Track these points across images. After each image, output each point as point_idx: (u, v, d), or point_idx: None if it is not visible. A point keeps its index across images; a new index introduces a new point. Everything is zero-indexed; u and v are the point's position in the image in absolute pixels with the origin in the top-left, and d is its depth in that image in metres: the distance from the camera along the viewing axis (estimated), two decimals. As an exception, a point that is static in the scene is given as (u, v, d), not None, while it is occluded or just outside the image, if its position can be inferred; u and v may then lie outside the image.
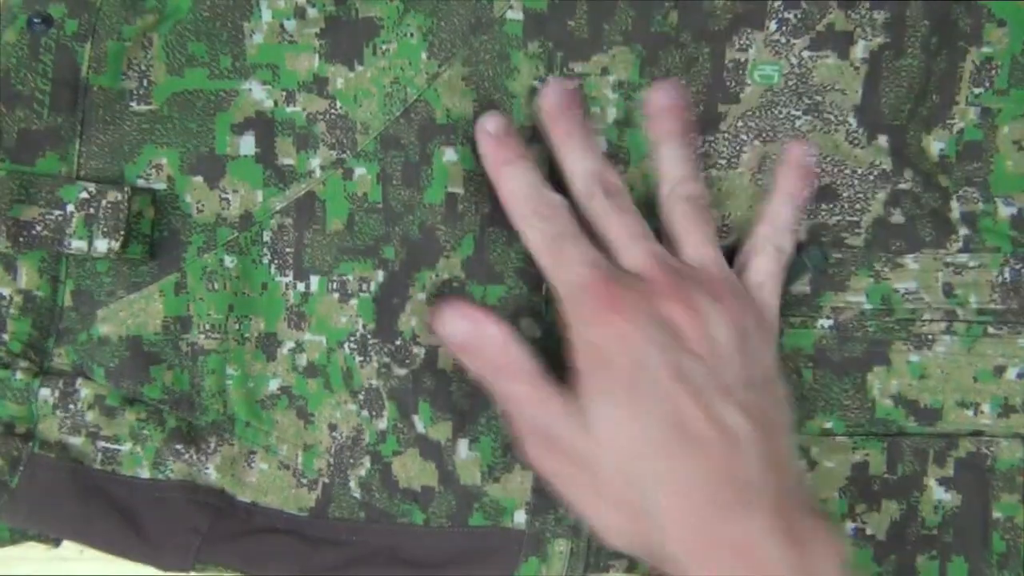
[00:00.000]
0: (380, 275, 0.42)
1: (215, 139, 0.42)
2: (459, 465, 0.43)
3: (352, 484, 0.44)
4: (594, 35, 0.42)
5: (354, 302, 0.43)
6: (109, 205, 0.40)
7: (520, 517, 0.44)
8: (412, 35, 0.41)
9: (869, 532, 0.44)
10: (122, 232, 0.40)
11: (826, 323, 0.44)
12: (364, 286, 0.42)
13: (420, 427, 0.43)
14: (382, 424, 0.43)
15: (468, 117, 0.42)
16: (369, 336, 0.43)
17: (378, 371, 0.43)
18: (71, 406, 0.42)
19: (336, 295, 0.43)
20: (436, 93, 0.42)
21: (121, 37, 0.41)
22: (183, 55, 0.41)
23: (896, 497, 0.44)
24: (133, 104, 0.41)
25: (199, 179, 0.42)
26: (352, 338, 0.43)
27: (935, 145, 0.43)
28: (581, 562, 0.44)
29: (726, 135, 0.43)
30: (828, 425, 0.45)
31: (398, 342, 0.43)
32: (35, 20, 0.40)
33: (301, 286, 0.43)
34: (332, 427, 0.43)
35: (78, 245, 0.40)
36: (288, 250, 0.42)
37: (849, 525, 0.45)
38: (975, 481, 0.44)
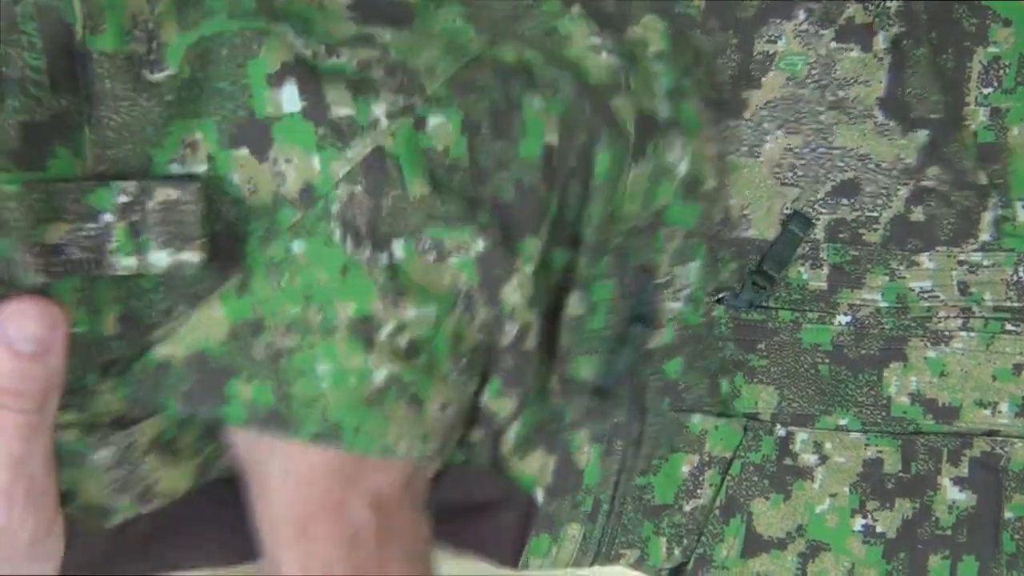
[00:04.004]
0: (480, 244, 0.36)
1: (252, 96, 0.34)
2: (505, 436, 0.42)
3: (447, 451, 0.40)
4: (621, 8, 0.41)
5: (453, 260, 0.36)
6: (160, 206, 0.32)
7: (538, 496, 0.43)
8: (456, 20, 0.38)
9: (879, 530, 0.44)
10: (200, 239, 0.32)
11: (843, 319, 0.44)
12: (463, 250, 0.36)
13: (484, 398, 0.40)
14: (473, 385, 0.39)
15: (540, 62, 0.37)
16: (475, 293, 0.37)
17: (482, 326, 0.38)
18: (131, 459, 0.35)
19: (432, 255, 0.36)
20: (499, 51, 0.37)
21: None
22: (199, 8, 0.34)
23: (910, 496, 0.44)
24: (146, 72, 0.33)
25: (244, 152, 0.34)
26: (460, 297, 0.37)
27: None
28: (592, 549, 0.44)
29: (749, 123, 0.43)
30: (843, 422, 0.45)
31: (497, 310, 0.38)
32: None
33: (384, 257, 0.35)
34: (443, 407, 0.38)
35: (127, 264, 0.32)
36: (361, 220, 0.35)
37: (859, 521, 0.44)
38: (989, 481, 0.44)
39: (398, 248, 0.35)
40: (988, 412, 0.44)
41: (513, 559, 0.43)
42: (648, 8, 0.41)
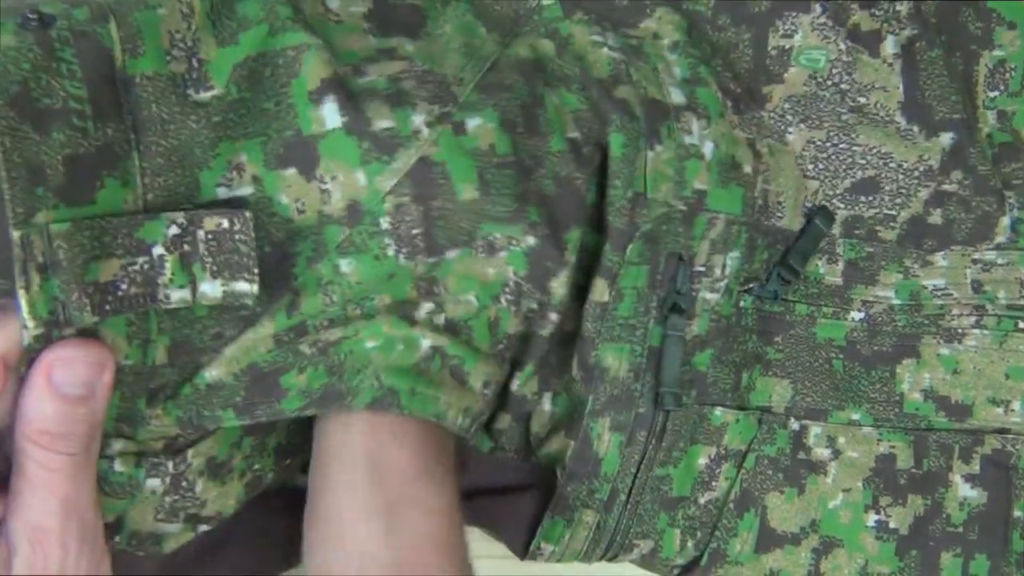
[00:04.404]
0: (531, 240, 0.36)
1: (298, 116, 0.33)
2: (536, 414, 0.41)
3: (480, 435, 0.40)
4: (633, 6, 0.41)
5: (503, 254, 0.36)
6: (210, 236, 0.32)
7: (559, 475, 0.42)
8: (465, 15, 0.39)
9: (892, 526, 0.44)
10: (255, 271, 0.32)
11: (857, 315, 0.44)
12: (514, 244, 0.37)
13: (514, 386, 0.40)
14: (506, 368, 0.39)
15: (552, 55, 0.39)
16: (523, 283, 0.37)
17: (525, 316, 0.38)
18: (183, 483, 0.35)
19: (483, 253, 0.36)
20: (513, 50, 0.39)
21: (148, 4, 0.32)
22: (233, 19, 0.33)
23: (921, 492, 0.44)
24: (191, 92, 0.32)
25: (292, 171, 0.33)
26: (507, 288, 0.37)
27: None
28: (606, 539, 0.43)
29: (772, 115, 0.43)
30: (855, 416, 0.45)
31: (543, 299, 0.38)
32: (30, 16, 0.30)
33: (432, 259, 0.36)
34: (485, 384, 0.38)
35: (180, 296, 0.31)
36: (415, 232, 0.35)
37: (872, 517, 0.44)
38: (999, 478, 0.44)
39: (453, 255, 0.36)
40: (1000, 410, 0.44)
41: (525, 542, 0.42)
42: (660, 3, 0.41)
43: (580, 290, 0.40)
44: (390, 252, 0.34)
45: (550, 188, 0.37)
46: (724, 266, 0.41)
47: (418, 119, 0.34)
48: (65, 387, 0.30)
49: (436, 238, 0.35)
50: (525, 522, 0.42)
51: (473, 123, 0.35)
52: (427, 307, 0.36)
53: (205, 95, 0.32)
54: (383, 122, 0.34)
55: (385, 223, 0.34)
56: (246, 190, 0.33)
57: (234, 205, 0.33)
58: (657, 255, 0.40)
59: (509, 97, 0.36)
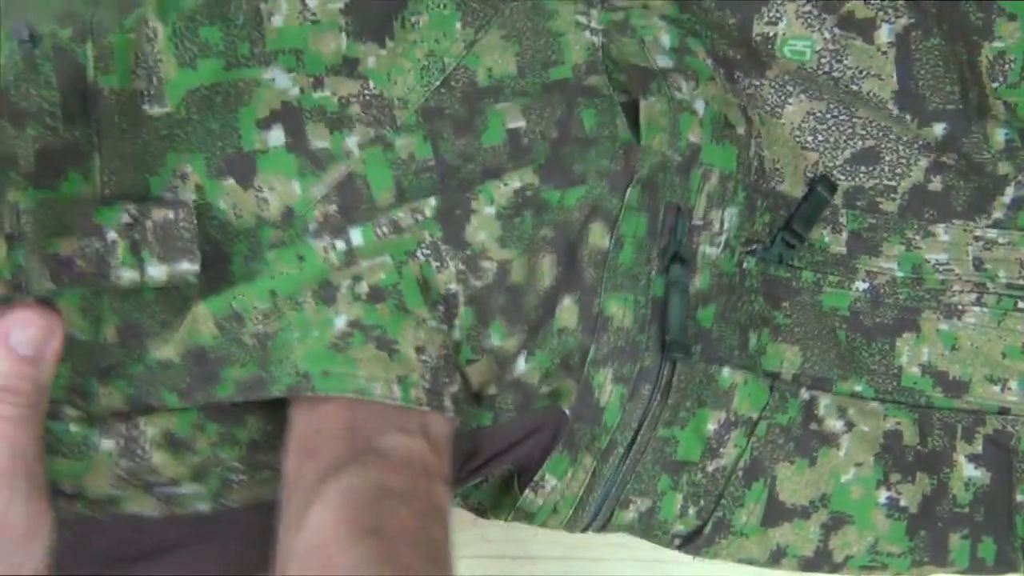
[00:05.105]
0: (432, 201, 0.38)
1: (240, 137, 0.36)
2: (519, 373, 0.39)
3: (447, 403, 0.37)
4: None
5: (412, 223, 0.37)
6: (158, 226, 0.35)
7: (567, 413, 0.40)
8: (444, 6, 0.38)
9: (903, 504, 0.42)
10: (196, 252, 0.35)
11: (861, 286, 0.43)
12: (419, 216, 0.37)
13: (495, 340, 0.39)
14: (456, 334, 0.38)
15: (512, 74, 0.38)
16: (440, 243, 0.37)
17: (456, 275, 0.38)
18: (138, 451, 0.37)
19: (387, 229, 0.38)
20: (476, 57, 0.38)
21: (123, 29, 0.35)
22: (195, 44, 0.36)
23: (928, 471, 0.43)
24: (146, 107, 0.36)
25: (231, 182, 0.37)
26: (423, 245, 0.37)
27: (1000, 132, 0.43)
28: (601, 487, 0.40)
29: (773, 83, 0.42)
30: (858, 388, 0.43)
31: (468, 252, 0.38)
32: (24, 37, 0.34)
33: (340, 244, 0.37)
34: (420, 350, 0.37)
35: (129, 276, 0.34)
36: (329, 223, 0.38)
37: (884, 493, 0.42)
38: (1001, 460, 0.43)
39: (356, 235, 0.37)
40: (998, 388, 0.44)
41: (531, 473, 0.40)
42: None
43: (561, 246, 0.39)
44: (315, 250, 0.37)
45: (476, 176, 0.38)
46: (723, 221, 0.40)
47: (351, 141, 0.37)
48: (18, 347, 0.33)
49: (340, 222, 0.37)
50: (538, 452, 0.40)
51: (401, 142, 0.38)
52: (347, 282, 0.37)
53: (157, 110, 0.36)
54: (320, 143, 0.37)
55: (312, 226, 0.37)
56: (189, 196, 0.36)
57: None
58: (656, 204, 0.39)
59: (443, 120, 0.38)
